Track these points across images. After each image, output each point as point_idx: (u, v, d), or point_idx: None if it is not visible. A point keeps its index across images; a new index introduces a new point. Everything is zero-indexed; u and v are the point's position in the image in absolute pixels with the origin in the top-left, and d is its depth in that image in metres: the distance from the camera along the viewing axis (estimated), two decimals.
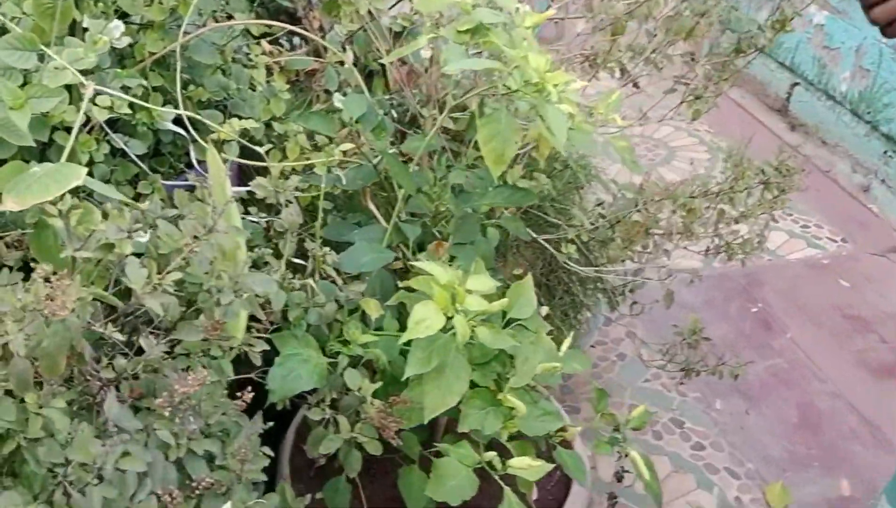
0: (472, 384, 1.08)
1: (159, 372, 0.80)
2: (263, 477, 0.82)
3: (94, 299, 0.83)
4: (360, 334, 1.15)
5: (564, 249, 1.62)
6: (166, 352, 0.82)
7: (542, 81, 1.07)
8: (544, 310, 1.77)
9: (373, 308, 1.21)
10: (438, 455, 1.23)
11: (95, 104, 1.19)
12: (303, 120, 1.35)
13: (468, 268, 1.38)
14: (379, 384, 1.07)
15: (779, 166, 1.85)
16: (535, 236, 1.66)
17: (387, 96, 1.85)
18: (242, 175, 1.66)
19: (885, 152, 3.21)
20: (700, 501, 1.97)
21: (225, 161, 1.28)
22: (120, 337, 0.78)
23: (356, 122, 1.44)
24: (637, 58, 1.78)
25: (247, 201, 1.46)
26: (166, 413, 0.76)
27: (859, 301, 2.65)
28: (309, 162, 1.49)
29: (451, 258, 1.43)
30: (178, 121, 1.50)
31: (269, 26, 1.77)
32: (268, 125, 1.66)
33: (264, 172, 1.67)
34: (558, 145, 0.99)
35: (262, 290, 0.89)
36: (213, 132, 1.43)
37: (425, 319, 0.92)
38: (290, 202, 1.18)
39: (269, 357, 1.16)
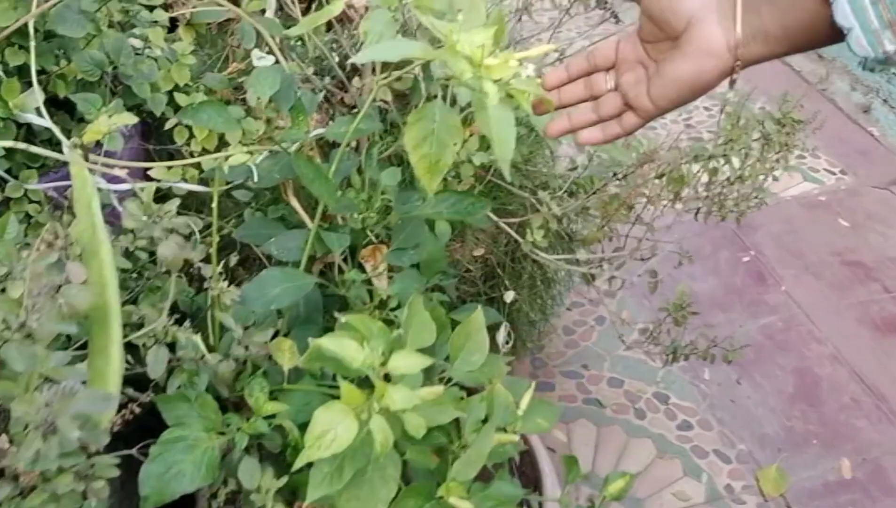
0: (406, 468, 0.85)
1: None
2: None
3: None
4: (266, 400, 0.90)
5: (529, 236, 1.37)
6: None
7: (478, 74, 0.78)
8: (511, 295, 1.54)
9: (286, 356, 0.96)
10: None
11: None
12: (190, 116, 1.06)
13: (411, 286, 1.14)
14: (285, 480, 0.84)
15: (782, 120, 1.59)
16: (496, 219, 1.40)
17: (327, 37, 1.57)
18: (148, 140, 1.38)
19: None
20: (687, 490, 1.79)
21: (90, 169, 1.01)
22: None
23: (269, 102, 1.16)
24: None
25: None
26: None
27: (860, 244, 2.42)
28: (217, 156, 1.21)
29: (391, 270, 1.19)
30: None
31: None
32: (172, 93, 1.37)
33: (171, 154, 1.40)
34: (503, 165, 0.72)
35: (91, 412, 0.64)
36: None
37: (328, 431, 0.68)
38: (172, 230, 0.91)
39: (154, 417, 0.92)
